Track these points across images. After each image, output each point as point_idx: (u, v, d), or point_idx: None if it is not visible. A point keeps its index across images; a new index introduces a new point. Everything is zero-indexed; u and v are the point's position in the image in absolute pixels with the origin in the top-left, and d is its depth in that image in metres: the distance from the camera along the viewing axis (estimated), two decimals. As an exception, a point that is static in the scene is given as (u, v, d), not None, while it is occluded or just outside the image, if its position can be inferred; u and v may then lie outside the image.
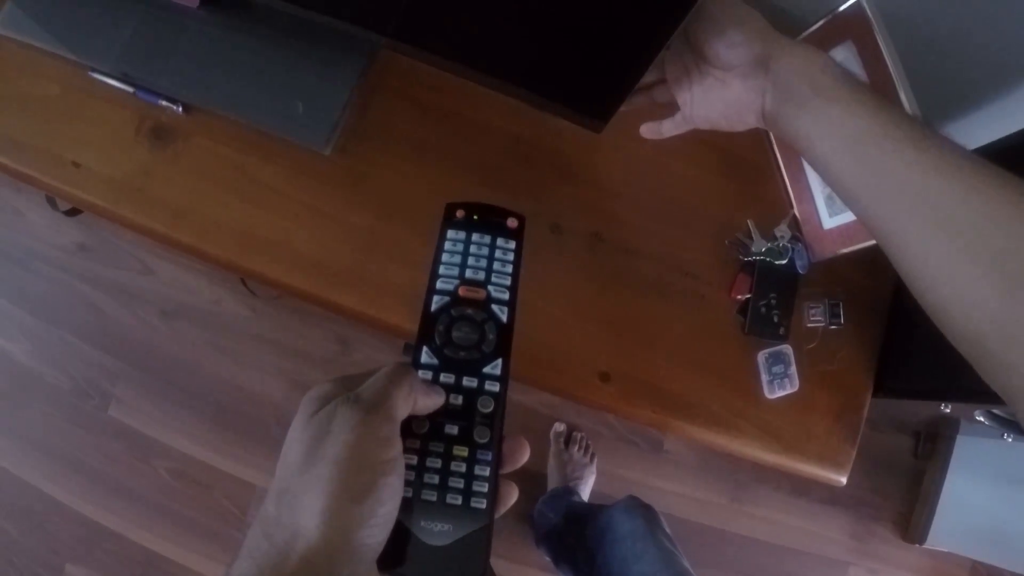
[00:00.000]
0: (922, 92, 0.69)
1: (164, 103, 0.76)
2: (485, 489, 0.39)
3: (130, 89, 0.76)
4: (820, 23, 0.74)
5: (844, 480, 0.80)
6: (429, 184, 0.78)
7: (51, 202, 1.03)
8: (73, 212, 1.06)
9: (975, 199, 0.42)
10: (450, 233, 0.48)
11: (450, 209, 0.49)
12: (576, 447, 1.54)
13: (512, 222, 0.49)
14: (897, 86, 0.67)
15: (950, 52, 0.82)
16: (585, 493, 1.50)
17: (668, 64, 0.61)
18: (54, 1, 0.78)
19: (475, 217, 0.48)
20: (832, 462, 0.80)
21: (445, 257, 0.46)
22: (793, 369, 0.79)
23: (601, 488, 1.50)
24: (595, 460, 1.54)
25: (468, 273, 0.46)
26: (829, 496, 1.56)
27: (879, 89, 0.69)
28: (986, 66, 0.82)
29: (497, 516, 0.39)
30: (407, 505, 0.37)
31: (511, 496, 0.41)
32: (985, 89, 0.85)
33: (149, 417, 1.31)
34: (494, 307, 0.45)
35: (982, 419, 0.75)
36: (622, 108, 0.65)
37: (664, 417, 0.77)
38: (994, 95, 0.84)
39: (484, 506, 0.39)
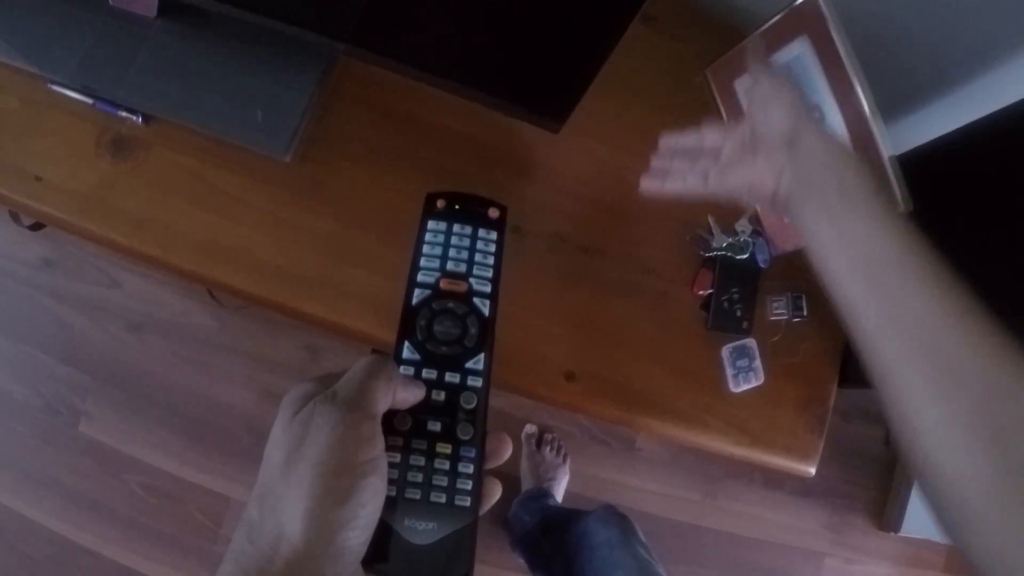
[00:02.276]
0: (874, 87, 0.71)
1: (124, 114, 0.76)
2: (469, 486, 0.39)
3: (90, 101, 0.76)
4: (777, 17, 0.75)
5: (813, 471, 0.82)
6: (390, 189, 0.78)
7: (14, 217, 1.02)
8: (37, 226, 1.05)
9: (982, 355, 0.41)
10: (430, 224, 0.47)
11: (430, 199, 0.48)
12: (548, 448, 1.55)
13: (494, 212, 0.48)
14: (853, 80, 0.69)
15: (901, 48, 0.84)
16: (559, 493, 1.51)
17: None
18: (10, 12, 0.77)
19: (456, 207, 0.48)
20: (800, 453, 0.81)
21: (426, 249, 0.46)
22: (758, 363, 0.80)
23: (575, 488, 1.51)
24: (568, 460, 1.55)
25: (449, 265, 0.45)
26: (802, 488, 1.58)
27: (836, 82, 0.70)
28: (934, 63, 0.84)
29: (481, 513, 0.39)
30: (391, 504, 0.37)
31: (495, 493, 0.40)
32: (933, 85, 0.87)
33: (120, 432, 1.29)
34: (476, 300, 0.44)
35: None
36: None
37: (631, 415, 0.78)
38: (941, 92, 0.86)
39: (468, 504, 0.38)
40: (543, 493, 1.46)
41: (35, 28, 0.77)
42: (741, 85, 0.81)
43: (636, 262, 0.81)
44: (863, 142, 0.69)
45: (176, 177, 0.76)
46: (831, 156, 0.52)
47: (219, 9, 0.71)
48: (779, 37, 0.74)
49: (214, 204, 0.76)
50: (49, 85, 0.77)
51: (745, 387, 0.79)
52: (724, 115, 0.84)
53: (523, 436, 1.53)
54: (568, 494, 1.51)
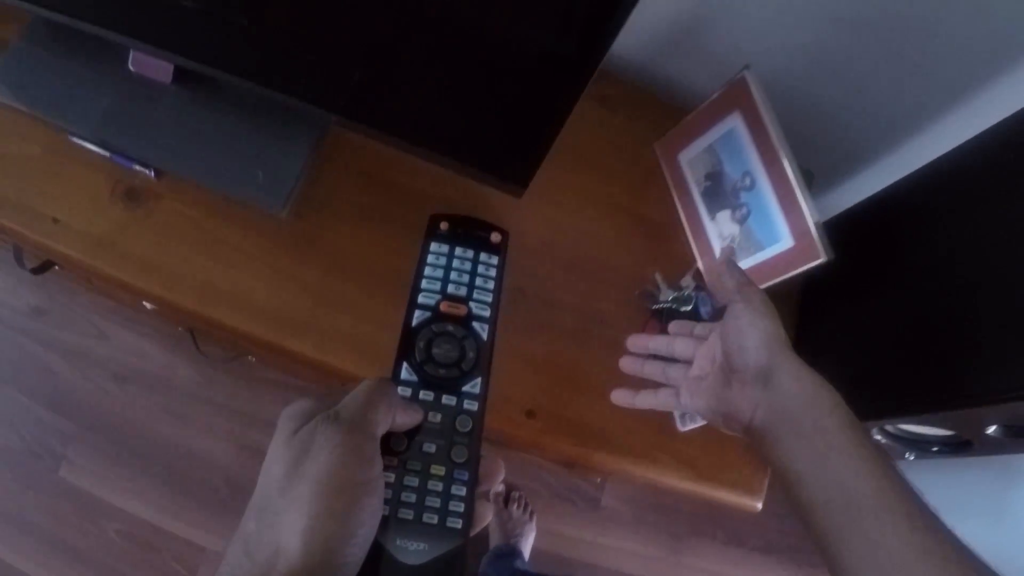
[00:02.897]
0: (812, 153, 0.82)
1: (138, 167, 0.85)
2: (461, 509, 0.38)
3: (107, 153, 0.85)
4: (714, 96, 0.86)
5: (759, 506, 0.88)
6: (373, 245, 0.87)
7: (18, 259, 1.08)
8: (39, 270, 1.12)
9: None
10: (433, 246, 0.47)
11: (434, 220, 0.48)
12: (515, 505, 1.59)
13: (496, 236, 0.49)
14: (778, 150, 0.79)
15: (833, 122, 0.97)
16: (526, 549, 1.54)
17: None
18: (39, 69, 0.86)
19: (459, 230, 0.48)
20: (746, 488, 0.88)
21: (427, 271, 0.46)
22: (698, 403, 0.88)
23: (541, 545, 1.54)
24: (534, 518, 1.59)
25: (450, 288, 0.45)
26: (764, 545, 1.63)
27: (764, 152, 0.81)
28: (861, 130, 0.97)
29: (472, 535, 0.39)
30: (383, 523, 0.37)
31: (485, 516, 0.40)
32: (862, 153, 1.00)
33: (99, 479, 1.32)
34: (475, 324, 0.44)
35: (880, 438, 0.84)
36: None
37: (587, 451, 0.85)
38: (869, 158, 0.99)
39: (460, 526, 0.38)
40: (511, 550, 1.49)
41: (61, 86, 0.86)
42: (684, 157, 0.94)
43: (590, 313, 0.90)
44: (787, 201, 0.79)
45: (182, 226, 0.84)
46: (806, 392, 0.52)
47: (227, 79, 0.81)
48: (716, 113, 0.86)
49: (215, 252, 0.84)
50: (70, 137, 0.85)
51: (692, 426, 0.87)
52: (671, 184, 0.96)
53: (490, 494, 1.57)
54: (535, 551, 1.54)
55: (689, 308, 0.90)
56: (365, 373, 0.82)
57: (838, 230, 0.80)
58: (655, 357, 0.70)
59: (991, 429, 0.67)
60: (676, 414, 0.88)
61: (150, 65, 0.85)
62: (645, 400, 0.68)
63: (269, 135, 0.87)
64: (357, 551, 0.35)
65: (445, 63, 0.76)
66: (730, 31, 0.93)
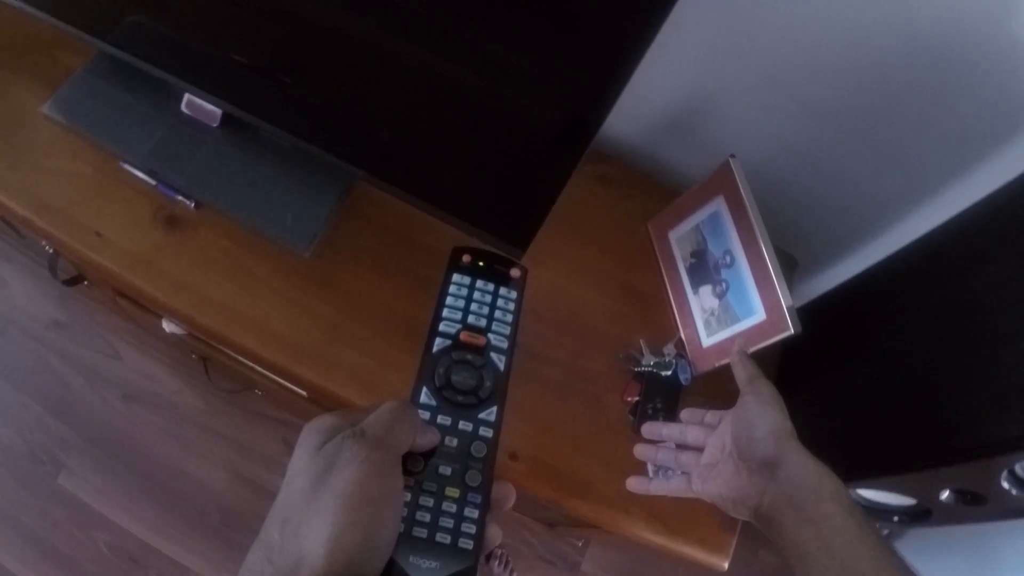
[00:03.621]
0: (795, 240, 0.90)
1: (180, 198, 0.94)
2: (473, 530, 0.40)
3: (153, 182, 0.94)
4: (701, 181, 0.96)
5: (725, 565, 0.92)
6: (385, 292, 0.95)
7: (52, 270, 1.17)
8: (71, 282, 1.20)
9: None
10: (455, 277, 0.48)
11: (456, 253, 0.50)
12: (497, 562, 1.62)
13: (516, 272, 0.50)
14: (756, 232, 0.87)
15: (812, 207, 1.07)
16: (505, 607, 1.56)
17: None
18: (98, 99, 0.97)
19: (480, 264, 0.49)
20: (714, 547, 0.92)
21: (449, 300, 0.47)
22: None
23: (520, 605, 1.56)
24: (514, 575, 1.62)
25: (471, 319, 0.47)
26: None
27: (744, 233, 0.89)
28: (840, 218, 1.07)
29: (481, 557, 0.40)
30: (398, 540, 0.38)
31: (496, 538, 0.42)
32: (841, 238, 1.10)
33: (96, 490, 1.36)
34: (493, 355, 0.46)
35: None
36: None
37: (563, 496, 0.91)
38: (848, 242, 1.09)
39: (471, 547, 0.39)
40: (490, 607, 1.51)
41: (117, 116, 0.96)
42: (673, 235, 1.03)
43: (577, 370, 0.97)
44: (762, 278, 0.87)
45: (214, 254, 0.93)
46: (810, 480, 0.56)
47: (268, 129, 0.91)
48: (703, 196, 0.95)
49: (242, 280, 0.92)
50: (121, 163, 0.95)
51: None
52: (660, 260, 1.05)
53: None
54: (513, 609, 1.56)
55: (669, 373, 0.97)
56: (361, 402, 0.90)
57: (814, 310, 0.88)
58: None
59: (944, 495, 0.73)
60: (650, 469, 0.93)
61: (201, 109, 0.96)
62: (659, 487, 0.73)
63: (301, 182, 0.97)
64: (377, 563, 0.36)
65: (461, 138, 0.87)
66: (720, 124, 1.04)
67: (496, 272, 0.49)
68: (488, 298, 0.48)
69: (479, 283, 0.48)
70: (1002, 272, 0.74)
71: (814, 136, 0.98)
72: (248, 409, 1.48)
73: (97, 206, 0.94)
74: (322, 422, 0.39)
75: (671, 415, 0.96)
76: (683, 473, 0.74)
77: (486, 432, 0.43)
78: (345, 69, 0.88)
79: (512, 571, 1.61)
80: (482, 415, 0.44)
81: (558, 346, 0.98)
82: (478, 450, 0.42)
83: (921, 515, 0.84)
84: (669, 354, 0.99)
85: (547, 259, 1.00)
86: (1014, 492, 0.68)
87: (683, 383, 0.98)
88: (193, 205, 0.95)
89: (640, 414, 0.95)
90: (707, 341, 0.97)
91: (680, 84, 1.02)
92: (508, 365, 0.46)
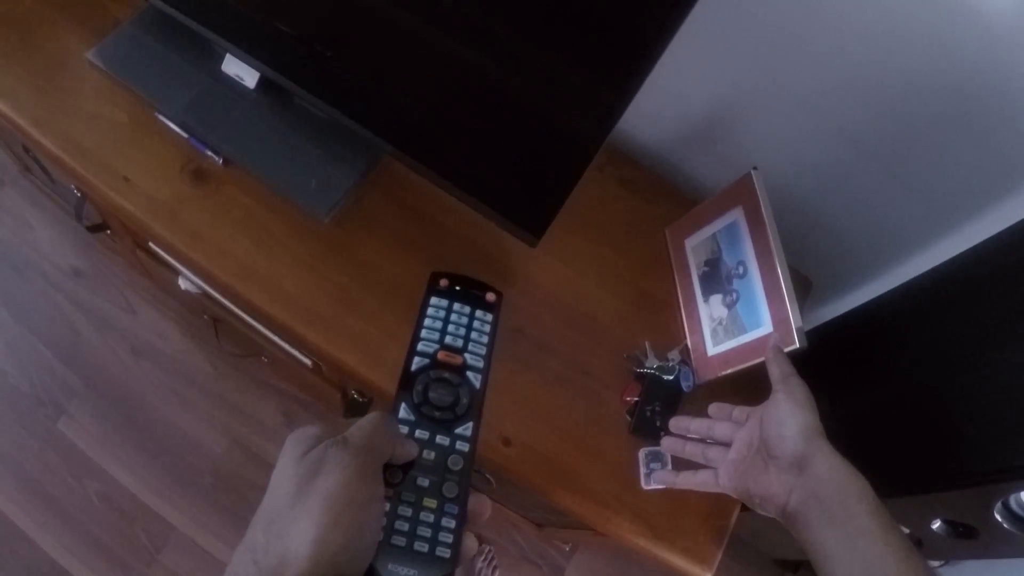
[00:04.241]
0: (811, 263, 0.90)
1: (209, 153, 0.96)
2: (450, 540, 0.41)
3: (185, 135, 0.96)
4: (722, 190, 0.96)
5: None
6: (396, 266, 0.96)
7: (78, 214, 1.19)
8: (95, 229, 1.22)
9: None
10: (433, 300, 0.51)
11: (435, 277, 0.52)
12: (482, 558, 1.61)
13: (491, 296, 0.52)
14: (772, 245, 0.87)
15: (831, 230, 1.07)
16: (486, 602, 1.55)
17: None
18: (141, 51, 1.00)
19: (457, 288, 0.52)
20: (698, 557, 0.90)
21: (427, 322, 0.50)
22: (669, 467, 0.93)
23: (500, 602, 1.55)
24: (497, 574, 1.61)
25: (448, 339, 0.49)
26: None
27: (759, 245, 0.90)
28: (858, 244, 1.07)
29: (458, 566, 0.42)
30: (378, 548, 0.40)
31: (472, 548, 0.43)
32: (856, 264, 1.10)
33: (94, 439, 1.38)
34: (469, 374, 0.48)
35: None
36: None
37: (551, 485, 0.91)
38: (864, 269, 1.09)
39: (448, 555, 0.41)
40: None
41: (158, 70, 0.99)
42: (689, 243, 1.03)
43: (579, 364, 0.98)
44: (773, 291, 0.87)
45: (236, 211, 0.95)
46: (838, 479, 0.57)
47: (304, 96, 0.93)
48: (722, 206, 0.96)
49: (260, 239, 0.94)
50: (156, 114, 0.97)
51: (655, 487, 0.92)
52: (674, 266, 1.05)
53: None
54: (491, 607, 1.55)
55: (671, 378, 0.97)
56: (366, 371, 0.91)
57: (822, 332, 0.88)
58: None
59: (936, 524, 0.72)
60: (642, 471, 0.93)
61: (240, 70, 0.98)
62: (687, 480, 0.74)
63: (328, 151, 0.98)
64: (359, 565, 0.39)
65: (487, 124, 0.88)
66: (745, 138, 1.05)
67: (472, 296, 0.51)
68: (464, 320, 0.50)
69: (456, 306, 0.51)
70: (1009, 306, 0.74)
71: (839, 159, 0.98)
72: (254, 377, 1.50)
73: (128, 153, 0.96)
74: (305, 432, 0.41)
75: (669, 420, 0.96)
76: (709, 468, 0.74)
77: (462, 446, 0.45)
78: (384, 48, 0.89)
79: (495, 568, 1.60)
80: (458, 430, 0.45)
81: (562, 338, 0.98)
82: (455, 463, 0.44)
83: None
84: (673, 359, 0.99)
85: (563, 254, 1.01)
86: (1006, 526, 0.67)
87: (684, 390, 0.97)
88: (221, 161, 0.97)
89: (638, 415, 0.95)
90: (712, 350, 0.97)
91: (710, 95, 1.03)
92: (484, 384, 0.48)
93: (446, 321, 0.50)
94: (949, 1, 0.73)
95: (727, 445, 0.70)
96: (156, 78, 0.99)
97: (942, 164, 0.91)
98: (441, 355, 0.48)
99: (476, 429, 0.46)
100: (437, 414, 0.46)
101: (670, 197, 1.11)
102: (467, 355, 0.49)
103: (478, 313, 0.51)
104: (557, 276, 1.02)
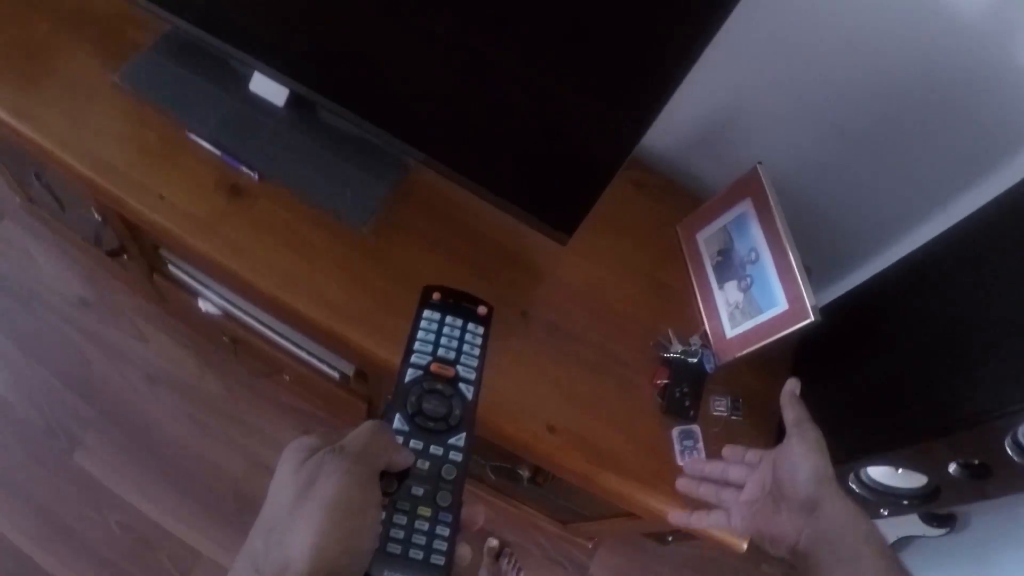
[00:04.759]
0: (810, 252, 0.98)
1: (244, 169, 0.99)
2: (444, 547, 0.42)
3: (218, 152, 0.99)
4: (730, 185, 1.03)
5: (744, 547, 0.96)
6: (435, 269, 1.01)
7: (97, 240, 1.20)
8: (114, 254, 1.23)
9: None
10: (426, 313, 0.52)
11: (427, 291, 0.54)
12: (506, 561, 1.64)
13: (482, 310, 0.53)
14: (781, 230, 0.95)
15: (828, 220, 1.16)
16: (511, 605, 1.57)
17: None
18: (167, 74, 1.03)
19: (450, 301, 0.53)
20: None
21: (420, 335, 0.51)
22: (701, 444, 0.99)
23: (525, 604, 1.57)
24: (522, 575, 1.63)
25: (440, 352, 0.50)
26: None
27: (770, 234, 0.97)
28: (853, 232, 1.16)
29: (453, 574, 0.43)
30: (374, 554, 0.40)
31: (466, 557, 0.44)
32: (851, 252, 1.19)
33: (111, 469, 1.36)
34: (461, 385, 0.49)
35: (855, 488, 0.92)
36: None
37: (596, 467, 0.96)
38: (858, 257, 1.18)
39: (443, 563, 0.42)
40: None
41: (186, 89, 1.02)
42: (701, 236, 1.10)
43: (611, 353, 1.03)
44: (785, 271, 0.95)
45: (275, 224, 0.98)
46: (847, 521, 0.59)
47: (336, 110, 0.98)
48: (730, 200, 1.04)
49: (299, 249, 0.97)
50: (188, 133, 1.00)
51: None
52: (688, 259, 1.12)
53: (484, 548, 1.63)
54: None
55: (695, 361, 1.04)
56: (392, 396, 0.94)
57: (828, 310, 0.95)
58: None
59: (952, 468, 0.79)
60: (677, 449, 0.99)
61: (269, 88, 1.02)
62: (699, 520, 0.75)
63: (360, 163, 1.03)
64: (356, 570, 0.39)
65: (519, 126, 0.93)
66: (745, 139, 1.13)
67: (464, 309, 0.52)
68: (457, 333, 0.51)
69: (448, 319, 0.52)
70: (996, 268, 0.83)
71: (833, 152, 1.07)
72: (271, 398, 1.50)
73: (161, 171, 0.99)
74: (302, 442, 0.42)
75: (697, 400, 1.02)
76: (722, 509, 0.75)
77: (456, 456, 0.46)
78: (416, 60, 0.93)
79: (520, 570, 1.63)
80: (452, 440, 0.46)
81: (592, 329, 1.04)
82: (448, 472, 0.45)
83: (930, 496, 0.90)
84: (695, 344, 1.05)
85: (587, 251, 1.06)
86: (1017, 459, 0.74)
87: (708, 371, 1.04)
88: (257, 177, 1.00)
89: (668, 397, 1.01)
90: (731, 332, 1.03)
91: (714, 102, 1.11)
92: (476, 395, 0.49)
93: (439, 334, 0.51)
94: (926, 5, 0.83)
95: (740, 487, 0.72)
96: (184, 99, 1.02)
97: (926, 150, 1.00)
98: (434, 367, 0.49)
99: (469, 439, 0.47)
100: (431, 425, 0.46)
101: (678, 197, 1.18)
102: (459, 367, 0.49)
103: (470, 326, 0.52)
104: (583, 273, 1.07)
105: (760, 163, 1.00)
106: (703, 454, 0.99)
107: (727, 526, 0.71)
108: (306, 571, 0.37)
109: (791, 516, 0.62)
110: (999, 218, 0.87)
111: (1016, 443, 0.74)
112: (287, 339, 1.22)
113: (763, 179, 0.99)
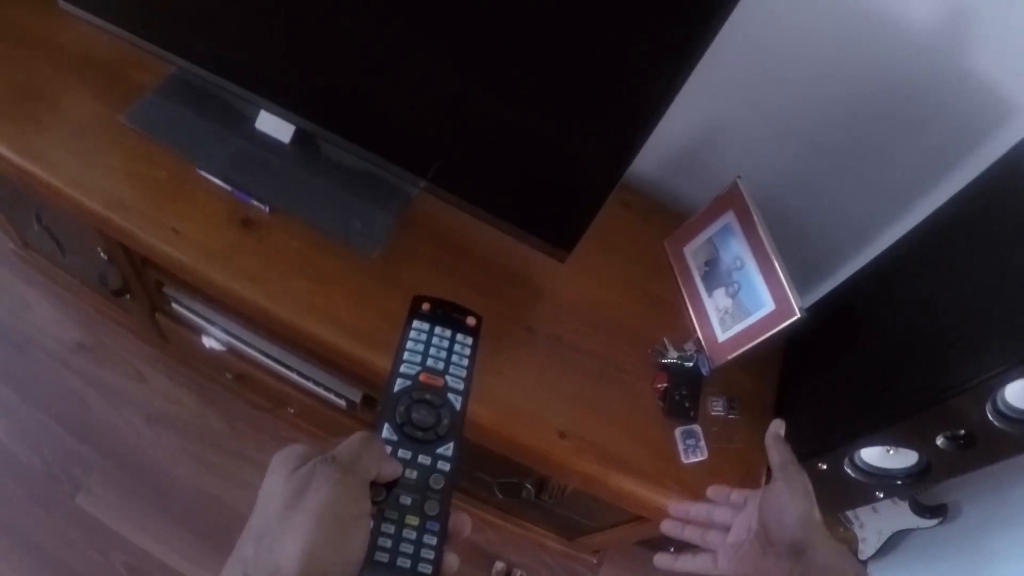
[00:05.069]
0: (795, 256, 1.06)
1: (255, 202, 1.04)
2: (432, 556, 0.42)
3: (229, 187, 1.04)
4: (712, 200, 1.11)
5: None
6: (442, 291, 1.03)
7: (102, 281, 1.22)
8: (119, 293, 1.25)
9: None
10: (415, 323, 0.52)
11: (417, 302, 0.54)
12: (513, 582, 1.65)
13: (471, 321, 0.53)
14: (763, 236, 1.02)
15: (803, 230, 1.24)
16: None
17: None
18: (174, 114, 1.08)
19: (439, 312, 0.53)
20: None
21: (409, 345, 0.51)
22: (702, 443, 1.05)
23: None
24: (530, 598, 1.64)
25: (429, 362, 0.50)
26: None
27: (753, 243, 1.04)
28: (827, 241, 1.25)
29: None
30: (362, 564, 0.40)
31: (453, 565, 0.44)
32: (824, 261, 1.27)
33: (116, 511, 1.35)
34: (450, 395, 0.49)
35: (851, 472, 0.96)
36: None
37: (606, 469, 1.00)
38: (831, 265, 1.26)
39: (430, 571, 0.42)
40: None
41: (193, 131, 1.07)
42: (688, 249, 1.18)
43: (612, 362, 1.09)
44: (770, 274, 1.02)
45: (288, 254, 1.03)
46: (835, 565, 0.60)
47: (338, 143, 1.03)
48: (714, 213, 1.11)
49: (314, 277, 1.02)
50: (198, 170, 1.04)
51: (693, 459, 1.03)
52: (677, 271, 1.19)
53: (493, 572, 1.64)
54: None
55: (691, 365, 1.10)
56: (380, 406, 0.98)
57: (815, 311, 1.03)
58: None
59: (940, 441, 0.86)
60: (680, 448, 1.04)
61: (275, 126, 1.07)
62: (685, 564, 0.74)
63: (367, 195, 1.08)
64: None
65: (516, 153, 0.99)
66: (721, 157, 1.22)
67: (453, 320, 0.53)
68: (446, 343, 0.51)
69: (437, 329, 0.52)
70: (955, 259, 0.92)
71: (809, 164, 1.16)
72: (273, 434, 1.51)
73: (173, 206, 1.03)
74: (293, 450, 0.43)
75: (696, 401, 1.08)
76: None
77: (443, 466, 0.46)
78: (415, 97, 0.99)
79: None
80: (440, 450, 0.47)
81: (594, 340, 1.10)
82: (436, 482, 0.45)
83: (922, 473, 0.96)
84: (689, 350, 1.12)
85: (584, 269, 1.13)
86: (999, 425, 0.80)
87: (704, 373, 1.10)
88: (267, 210, 1.04)
89: (669, 400, 1.07)
90: (723, 336, 1.10)
91: (691, 125, 1.19)
92: (464, 405, 0.49)
93: (428, 344, 0.51)
94: (880, 20, 0.92)
95: (726, 529, 0.72)
96: (192, 138, 1.07)
97: (891, 157, 1.09)
98: (423, 377, 0.49)
99: (457, 449, 0.47)
100: (419, 434, 0.47)
101: (664, 215, 1.26)
102: (448, 377, 0.50)
103: (459, 337, 0.52)
104: (581, 289, 1.14)
105: (739, 177, 1.08)
106: (705, 452, 1.04)
107: (714, 570, 0.70)
108: None
109: (778, 560, 0.62)
110: (955, 215, 0.97)
111: (997, 410, 0.80)
112: (293, 370, 1.25)
113: (743, 192, 1.07)
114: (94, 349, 1.51)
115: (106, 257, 1.18)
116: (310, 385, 1.27)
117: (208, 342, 1.30)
